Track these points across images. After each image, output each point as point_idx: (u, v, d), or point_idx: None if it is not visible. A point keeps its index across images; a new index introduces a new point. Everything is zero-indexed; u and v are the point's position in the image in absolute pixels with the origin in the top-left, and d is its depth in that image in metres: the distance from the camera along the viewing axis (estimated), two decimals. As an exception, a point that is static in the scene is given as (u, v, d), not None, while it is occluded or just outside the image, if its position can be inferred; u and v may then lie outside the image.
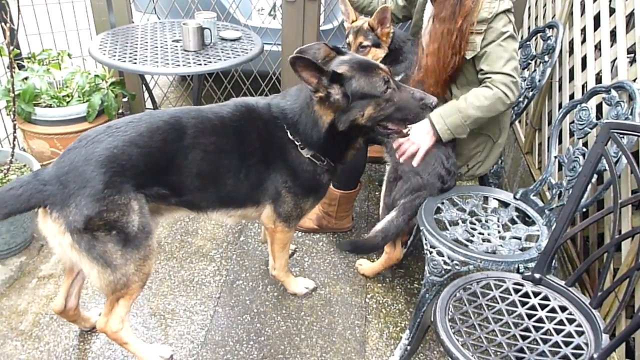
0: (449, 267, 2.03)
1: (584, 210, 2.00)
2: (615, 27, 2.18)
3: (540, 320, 1.72)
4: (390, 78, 1.93)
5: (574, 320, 1.71)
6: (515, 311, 1.75)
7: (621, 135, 1.70)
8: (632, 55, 2.08)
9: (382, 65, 1.96)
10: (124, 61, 2.73)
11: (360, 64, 1.91)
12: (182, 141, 1.88)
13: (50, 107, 3.11)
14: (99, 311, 2.31)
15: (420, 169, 2.34)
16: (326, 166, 2.10)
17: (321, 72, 1.82)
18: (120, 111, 3.65)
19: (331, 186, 2.66)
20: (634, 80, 1.97)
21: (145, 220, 1.83)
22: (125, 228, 1.76)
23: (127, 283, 1.86)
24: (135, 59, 2.76)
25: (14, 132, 2.74)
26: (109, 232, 1.74)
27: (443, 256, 2.04)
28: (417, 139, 2.30)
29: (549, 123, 2.80)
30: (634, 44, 2.03)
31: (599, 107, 2.14)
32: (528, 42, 2.73)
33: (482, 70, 2.24)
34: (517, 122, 3.34)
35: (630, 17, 2.13)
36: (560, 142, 2.49)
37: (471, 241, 2.12)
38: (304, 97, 1.99)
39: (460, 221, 2.23)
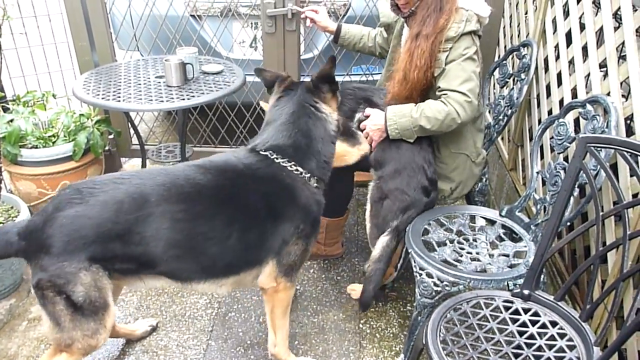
0: (439, 288, 2.04)
1: (570, 223, 2.02)
2: (586, 43, 2.23)
3: (531, 336, 1.71)
4: None
5: (565, 334, 1.71)
6: (507, 329, 1.74)
7: (598, 149, 1.74)
8: (605, 69, 2.12)
9: None
10: (108, 99, 2.75)
11: None
12: (142, 210, 1.79)
13: (37, 147, 3.11)
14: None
15: (404, 186, 2.35)
16: (323, 187, 2.12)
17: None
18: (107, 148, 3.67)
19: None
20: (608, 94, 2.01)
21: (96, 295, 1.78)
22: (71, 296, 1.76)
23: (71, 346, 1.85)
24: (119, 96, 2.78)
25: (0, 174, 2.74)
26: (58, 295, 1.77)
27: (433, 277, 2.04)
28: (371, 131, 2.45)
29: (531, 139, 2.84)
30: (605, 58, 2.08)
31: (577, 122, 2.18)
32: (504, 61, 2.78)
33: (439, 87, 2.26)
34: (499, 139, 3.39)
35: (600, 32, 2.18)
36: (542, 157, 2.52)
37: (460, 261, 2.12)
38: (320, 128, 2.13)
39: (448, 241, 2.24)
